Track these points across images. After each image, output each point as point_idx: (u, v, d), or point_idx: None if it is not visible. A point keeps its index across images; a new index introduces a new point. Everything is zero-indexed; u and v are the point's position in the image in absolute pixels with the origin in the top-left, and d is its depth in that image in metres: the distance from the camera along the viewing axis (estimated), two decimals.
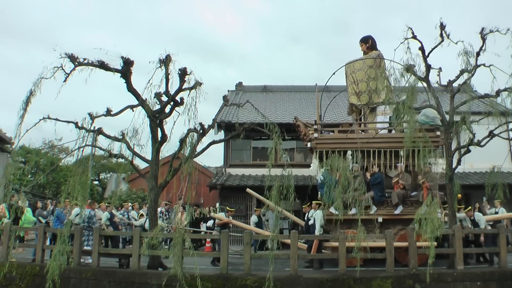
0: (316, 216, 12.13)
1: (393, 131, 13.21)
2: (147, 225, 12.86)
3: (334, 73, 13.56)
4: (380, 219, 11.93)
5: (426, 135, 11.10)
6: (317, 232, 11.77)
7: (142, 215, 14.23)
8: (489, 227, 12.52)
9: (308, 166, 19.68)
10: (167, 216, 16.99)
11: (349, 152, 12.42)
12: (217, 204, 19.04)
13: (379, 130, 12.90)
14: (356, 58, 14.49)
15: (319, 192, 12.81)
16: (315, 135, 12.66)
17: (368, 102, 14.12)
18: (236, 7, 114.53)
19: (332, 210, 12.01)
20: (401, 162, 12.41)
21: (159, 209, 17.09)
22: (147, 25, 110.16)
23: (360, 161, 12.19)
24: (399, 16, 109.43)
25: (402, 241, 10.84)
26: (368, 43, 14.58)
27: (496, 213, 13.83)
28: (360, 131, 13.49)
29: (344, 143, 12.44)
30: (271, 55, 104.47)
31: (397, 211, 11.96)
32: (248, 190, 15.39)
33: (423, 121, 12.43)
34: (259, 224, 15.50)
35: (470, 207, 12.61)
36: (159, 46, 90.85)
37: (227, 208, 14.89)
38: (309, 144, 12.98)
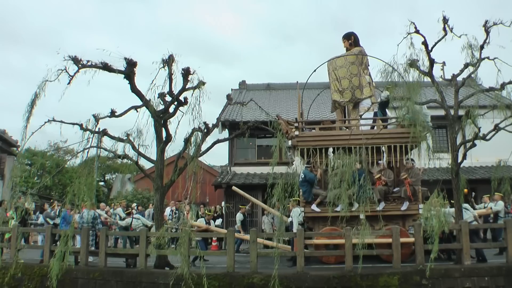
0: (293, 213, 12.13)
1: (376, 128, 13.15)
2: (133, 225, 12.84)
3: (315, 71, 13.54)
4: (362, 216, 11.89)
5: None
6: (294, 230, 11.75)
7: (129, 213, 14.20)
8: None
9: None
10: (176, 214, 17.06)
11: (330, 149, 12.42)
12: (223, 203, 19.10)
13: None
14: (337, 55, 14.50)
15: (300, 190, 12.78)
16: (296, 132, 12.64)
17: (351, 99, 14.13)
18: (235, 7, 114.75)
19: (313, 207, 12.01)
20: (383, 159, 12.36)
21: (169, 208, 17.20)
22: (146, 27, 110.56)
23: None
24: (397, 12, 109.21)
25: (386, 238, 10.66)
26: (351, 39, 14.59)
27: (485, 208, 13.74)
28: (345, 128, 13.49)
29: (325, 140, 12.42)
30: (272, 53, 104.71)
31: (379, 208, 11.89)
32: (234, 188, 15.41)
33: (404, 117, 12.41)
34: (244, 222, 15.58)
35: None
36: (159, 48, 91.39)
37: (206, 211, 14.90)
38: (290, 142, 12.99)
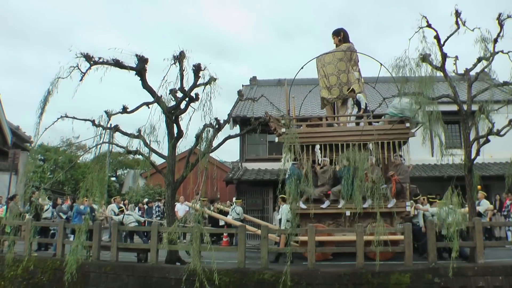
0: (281, 210, 12.14)
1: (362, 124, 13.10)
2: (125, 220, 12.86)
3: (302, 68, 13.66)
4: (348, 213, 11.81)
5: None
6: (282, 226, 11.72)
7: (122, 210, 14.29)
8: None
9: None
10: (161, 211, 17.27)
11: (317, 146, 12.37)
12: (234, 199, 19.12)
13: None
14: (326, 52, 14.46)
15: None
16: (283, 129, 12.62)
17: (339, 96, 14.08)
18: (241, 4, 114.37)
19: (300, 204, 11.99)
20: (370, 155, 12.29)
21: (155, 204, 17.41)
22: (154, 25, 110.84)
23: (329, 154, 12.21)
24: (404, 7, 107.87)
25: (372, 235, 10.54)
26: (340, 36, 14.58)
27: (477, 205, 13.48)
28: (336, 124, 13.44)
29: (312, 137, 12.35)
30: (279, 50, 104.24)
31: (366, 205, 11.71)
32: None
33: (392, 113, 12.36)
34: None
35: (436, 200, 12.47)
36: (167, 45, 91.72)
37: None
38: (276, 139, 12.98)
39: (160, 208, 17.75)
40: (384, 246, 9.36)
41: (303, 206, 11.95)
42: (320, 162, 12.72)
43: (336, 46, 14.68)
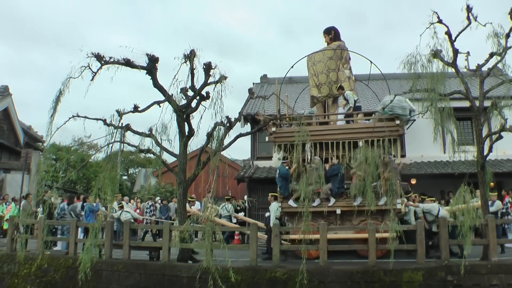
0: (271, 208, 12.15)
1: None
2: (122, 218, 12.91)
3: (292, 67, 13.77)
4: (338, 211, 11.78)
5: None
6: (271, 224, 11.71)
7: (121, 206, 14.35)
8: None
9: None
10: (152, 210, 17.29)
11: (308, 145, 12.33)
12: (245, 197, 19.14)
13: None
14: (316, 50, 14.43)
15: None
16: (273, 128, 12.59)
17: (328, 94, 14.01)
18: (248, 2, 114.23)
19: (290, 202, 11.93)
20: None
21: (149, 203, 17.47)
22: (162, 26, 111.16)
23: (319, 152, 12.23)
24: (414, 3, 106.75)
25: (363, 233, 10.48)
26: (331, 34, 14.57)
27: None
28: (318, 123, 13.40)
29: (302, 135, 12.38)
30: (289, 48, 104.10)
31: (356, 202, 11.68)
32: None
33: (381, 111, 12.23)
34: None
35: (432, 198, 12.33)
36: (175, 45, 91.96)
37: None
38: (266, 138, 12.97)
39: (154, 207, 17.80)
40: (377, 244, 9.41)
41: (293, 204, 11.93)
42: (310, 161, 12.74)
43: (327, 44, 14.67)
